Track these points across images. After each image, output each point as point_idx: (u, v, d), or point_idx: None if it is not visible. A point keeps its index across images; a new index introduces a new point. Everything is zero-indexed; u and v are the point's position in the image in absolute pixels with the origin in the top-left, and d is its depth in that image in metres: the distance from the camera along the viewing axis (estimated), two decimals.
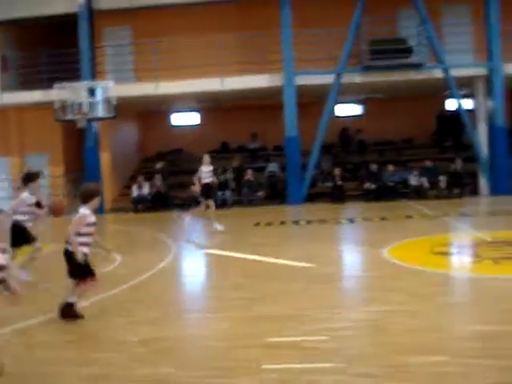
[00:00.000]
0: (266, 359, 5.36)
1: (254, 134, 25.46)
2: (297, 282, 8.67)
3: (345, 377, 4.90)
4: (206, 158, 15.67)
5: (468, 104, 22.33)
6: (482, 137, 21.79)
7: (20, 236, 8.85)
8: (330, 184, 21.92)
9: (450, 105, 24.40)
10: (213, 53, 21.03)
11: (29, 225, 9.25)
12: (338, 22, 20.74)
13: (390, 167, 22.10)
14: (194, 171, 23.50)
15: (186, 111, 26.86)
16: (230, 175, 22.31)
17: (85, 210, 6.90)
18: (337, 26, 20.67)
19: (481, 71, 21.50)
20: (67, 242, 6.90)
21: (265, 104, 23.51)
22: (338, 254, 11.48)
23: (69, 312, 6.89)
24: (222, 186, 21.70)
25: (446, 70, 21.03)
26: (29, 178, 8.77)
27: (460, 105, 21.54)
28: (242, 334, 6.19)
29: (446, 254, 10.88)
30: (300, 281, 8.76)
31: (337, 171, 21.78)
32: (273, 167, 23.53)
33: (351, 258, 11.45)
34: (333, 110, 22.58)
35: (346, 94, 23.44)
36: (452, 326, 6.22)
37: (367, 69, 21.18)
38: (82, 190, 7.26)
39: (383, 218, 16.08)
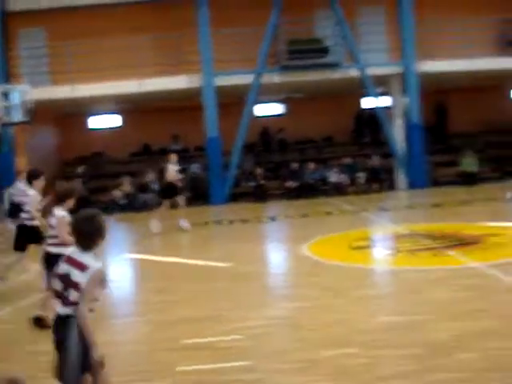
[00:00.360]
0: (184, 361, 5.44)
1: (176, 136, 25.31)
2: (217, 282, 8.77)
3: (257, 374, 5.03)
4: (174, 157, 15.59)
5: (385, 102, 22.89)
6: (398, 133, 22.42)
7: (32, 235, 8.45)
8: (252, 183, 22.04)
9: (367, 103, 24.97)
10: (130, 54, 20.77)
11: (36, 223, 8.65)
12: (257, 22, 20.80)
13: (311, 165, 22.42)
14: (115, 174, 23.55)
15: (107, 113, 26.41)
16: (151, 177, 22.07)
17: (62, 212, 6.67)
18: (255, 26, 20.78)
19: (395, 70, 22.05)
20: (51, 245, 6.69)
21: (185, 105, 23.37)
22: (258, 253, 11.59)
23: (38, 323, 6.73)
24: (144, 188, 21.57)
25: (361, 69, 21.49)
26: (34, 176, 8.29)
27: (377, 103, 22.11)
28: (162, 338, 6.23)
29: (364, 248, 11.18)
30: (220, 281, 8.85)
31: (259, 170, 21.94)
32: (195, 168, 23.46)
33: (271, 255, 11.65)
34: (253, 109, 22.73)
35: (267, 93, 23.62)
36: (364, 319, 6.43)
37: (285, 68, 21.37)
38: (57, 190, 7.02)
39: (304, 215, 16.34)
